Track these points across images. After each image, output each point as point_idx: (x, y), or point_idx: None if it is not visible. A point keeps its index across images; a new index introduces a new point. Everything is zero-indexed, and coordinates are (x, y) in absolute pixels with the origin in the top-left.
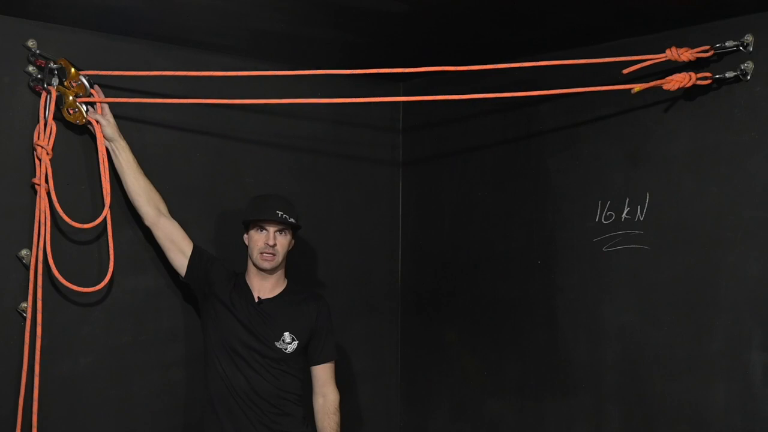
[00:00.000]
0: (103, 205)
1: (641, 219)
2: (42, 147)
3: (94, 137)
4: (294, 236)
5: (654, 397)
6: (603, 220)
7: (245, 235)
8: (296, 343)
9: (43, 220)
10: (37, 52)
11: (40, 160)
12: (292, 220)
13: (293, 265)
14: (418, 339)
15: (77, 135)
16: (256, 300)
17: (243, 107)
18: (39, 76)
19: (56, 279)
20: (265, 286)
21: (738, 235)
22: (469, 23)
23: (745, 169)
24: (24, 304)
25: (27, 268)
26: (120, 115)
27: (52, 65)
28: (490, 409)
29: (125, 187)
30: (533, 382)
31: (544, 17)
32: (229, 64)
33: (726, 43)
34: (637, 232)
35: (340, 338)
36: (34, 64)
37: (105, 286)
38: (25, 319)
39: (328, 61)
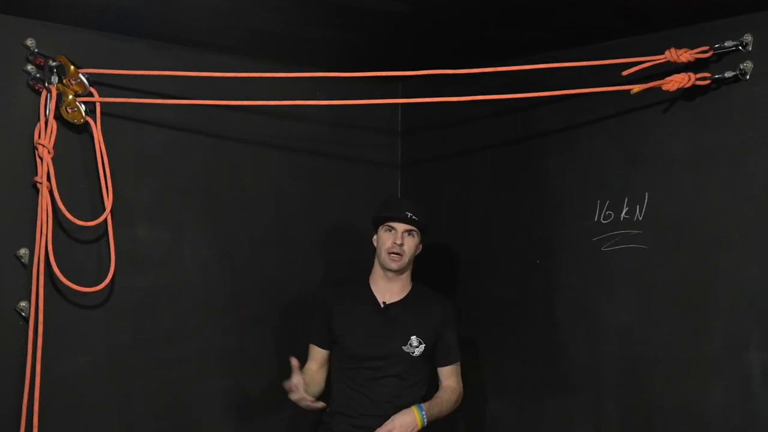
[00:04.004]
0: (103, 204)
1: (640, 219)
2: (43, 146)
3: (92, 136)
4: (422, 241)
5: (653, 396)
6: (602, 219)
7: (374, 236)
8: (423, 346)
9: (45, 219)
10: (36, 51)
11: (41, 158)
12: (420, 220)
13: (294, 265)
14: None
15: (76, 134)
16: (382, 305)
17: (242, 107)
18: (38, 75)
19: (57, 278)
20: (391, 289)
21: (737, 235)
22: (469, 23)
23: (744, 169)
24: (22, 303)
25: (25, 267)
26: (120, 114)
27: (52, 63)
28: (490, 409)
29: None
30: (533, 382)
31: (544, 17)
32: (229, 63)
33: (725, 43)
34: (635, 231)
35: None
36: (33, 63)
37: (107, 286)
38: (23, 318)
39: (328, 61)
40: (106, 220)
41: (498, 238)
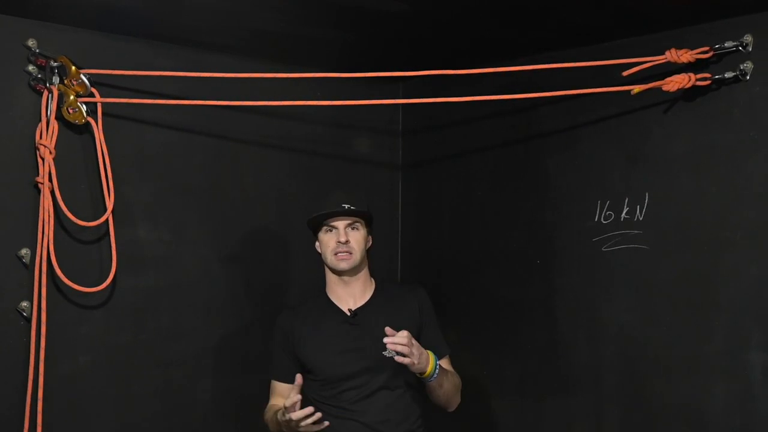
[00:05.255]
0: (104, 204)
1: (640, 219)
2: (45, 146)
3: (93, 137)
4: (370, 231)
5: (654, 397)
6: (602, 220)
7: (316, 243)
8: None
9: (46, 219)
10: (37, 51)
11: (43, 159)
12: (360, 209)
13: (294, 265)
14: None
15: (77, 134)
16: (348, 312)
17: (243, 107)
18: (40, 75)
19: (58, 278)
20: (352, 294)
21: (737, 235)
22: (469, 23)
23: (745, 169)
24: (24, 303)
25: (27, 267)
26: (121, 115)
27: (53, 63)
28: (490, 409)
29: None
30: (533, 382)
31: (544, 17)
32: (229, 63)
33: (725, 44)
34: (636, 232)
35: None
36: (34, 64)
37: (108, 286)
38: (25, 318)
39: (328, 61)
40: (107, 220)
41: (498, 238)
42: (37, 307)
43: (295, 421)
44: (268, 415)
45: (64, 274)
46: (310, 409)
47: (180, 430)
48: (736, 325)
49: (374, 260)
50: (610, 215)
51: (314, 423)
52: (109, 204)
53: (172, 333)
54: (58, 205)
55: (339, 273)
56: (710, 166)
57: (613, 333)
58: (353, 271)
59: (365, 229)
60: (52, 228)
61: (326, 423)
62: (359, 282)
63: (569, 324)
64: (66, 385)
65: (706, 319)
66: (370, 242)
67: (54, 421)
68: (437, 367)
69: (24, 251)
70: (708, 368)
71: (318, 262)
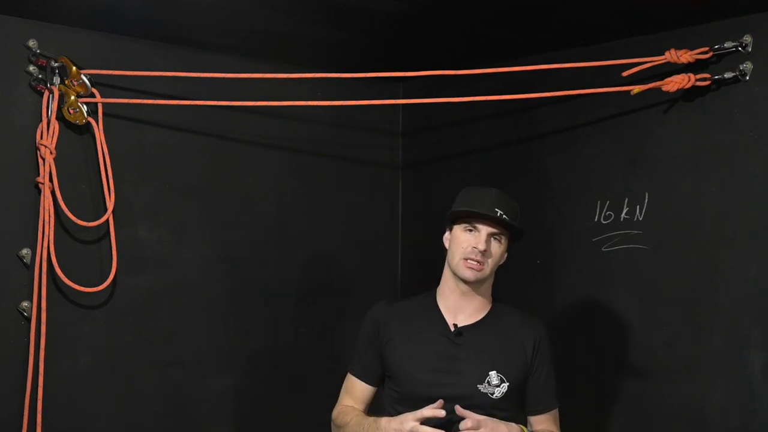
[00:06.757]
0: (105, 204)
1: (640, 219)
2: (45, 146)
3: (94, 137)
4: (509, 248)
5: (654, 397)
6: (602, 220)
7: (446, 234)
8: (506, 385)
9: (47, 219)
10: (38, 51)
11: (43, 159)
12: (513, 222)
13: (294, 265)
14: None
15: (78, 134)
16: (452, 328)
17: (243, 107)
18: (41, 75)
19: (59, 278)
20: (464, 308)
21: (737, 236)
22: (469, 23)
23: (744, 170)
24: (24, 303)
25: (27, 267)
26: (121, 115)
27: (54, 64)
28: None
29: None
30: None
31: (544, 17)
32: (229, 63)
33: (725, 44)
34: (636, 232)
35: (339, 341)
36: (35, 64)
37: (108, 286)
38: (25, 318)
39: (328, 61)
40: (107, 220)
41: None
42: (38, 307)
43: None
44: (347, 418)
45: (65, 274)
46: None
47: (180, 430)
48: (736, 325)
49: (373, 261)
50: (609, 215)
51: None
52: (110, 204)
53: (172, 333)
54: (59, 205)
55: (459, 280)
56: (710, 166)
57: (612, 333)
58: (476, 284)
59: (507, 244)
60: (52, 228)
61: None
62: (477, 298)
63: (569, 324)
64: (66, 385)
65: (706, 319)
66: (505, 258)
67: (54, 421)
68: None
69: (24, 251)
70: (708, 368)
71: (317, 260)
